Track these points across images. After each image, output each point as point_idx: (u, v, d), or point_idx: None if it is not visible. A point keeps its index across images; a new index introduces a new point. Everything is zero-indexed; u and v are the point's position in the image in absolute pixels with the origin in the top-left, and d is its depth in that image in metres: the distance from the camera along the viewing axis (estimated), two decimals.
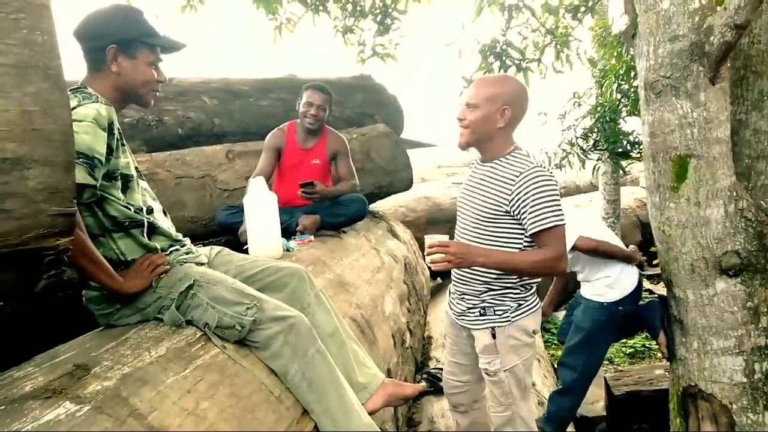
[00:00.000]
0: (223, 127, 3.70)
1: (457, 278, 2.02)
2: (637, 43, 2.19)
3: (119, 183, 1.52)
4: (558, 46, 4.50)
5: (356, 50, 4.86)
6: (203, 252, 1.82)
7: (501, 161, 1.88)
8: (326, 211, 3.10)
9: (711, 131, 2.00)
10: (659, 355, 4.57)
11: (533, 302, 1.95)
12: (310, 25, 4.56)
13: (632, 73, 4.31)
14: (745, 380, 2.04)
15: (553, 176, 1.83)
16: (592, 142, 5.15)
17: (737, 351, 2.05)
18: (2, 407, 1.08)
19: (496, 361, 1.90)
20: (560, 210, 1.79)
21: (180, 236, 1.75)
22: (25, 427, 1.02)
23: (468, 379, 2.10)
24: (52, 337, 1.50)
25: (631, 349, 4.79)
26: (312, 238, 2.92)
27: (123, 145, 1.56)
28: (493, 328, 1.90)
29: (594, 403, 3.66)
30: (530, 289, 1.95)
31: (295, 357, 1.55)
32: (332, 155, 3.30)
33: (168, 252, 1.64)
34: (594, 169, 6.28)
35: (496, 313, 1.90)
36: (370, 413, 1.70)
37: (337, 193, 3.15)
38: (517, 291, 1.91)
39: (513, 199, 1.80)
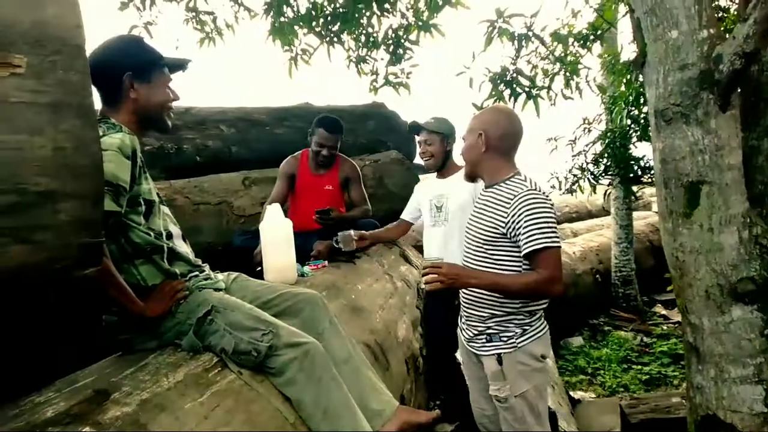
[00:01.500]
0: (240, 154, 3.78)
1: (465, 302, 2.04)
2: (646, 71, 2.22)
3: (142, 209, 1.56)
4: (567, 74, 4.55)
5: (369, 79, 4.95)
6: (221, 277, 1.85)
7: (500, 186, 1.95)
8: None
9: (722, 158, 2.01)
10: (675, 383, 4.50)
11: (539, 327, 1.95)
12: (324, 56, 4.66)
13: (642, 99, 4.35)
14: (766, 410, 2.01)
15: (548, 200, 1.87)
16: (602, 167, 5.17)
17: (756, 379, 2.02)
18: None
19: (505, 388, 1.90)
20: (553, 232, 1.82)
21: (199, 261, 1.78)
22: None
23: (490, 405, 2.07)
24: (73, 361, 1.53)
25: (647, 376, 4.71)
26: (326, 263, 2.94)
27: (145, 172, 1.61)
28: (499, 355, 1.91)
29: (609, 431, 3.59)
30: (535, 315, 1.95)
31: (310, 384, 1.56)
32: (344, 181, 3.35)
33: (187, 278, 1.68)
34: (605, 194, 6.28)
35: (502, 339, 1.91)
36: None
37: (350, 219, 3.19)
38: (521, 317, 1.92)
39: (509, 221, 1.85)
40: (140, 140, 1.62)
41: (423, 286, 1.94)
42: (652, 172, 4.55)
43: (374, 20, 4.69)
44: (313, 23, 4.51)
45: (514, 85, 4.23)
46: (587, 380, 4.80)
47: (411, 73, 4.91)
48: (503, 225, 1.87)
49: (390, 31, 4.74)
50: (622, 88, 4.66)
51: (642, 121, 4.44)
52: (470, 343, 2.02)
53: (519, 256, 1.87)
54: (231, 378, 1.51)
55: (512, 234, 1.85)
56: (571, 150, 5.50)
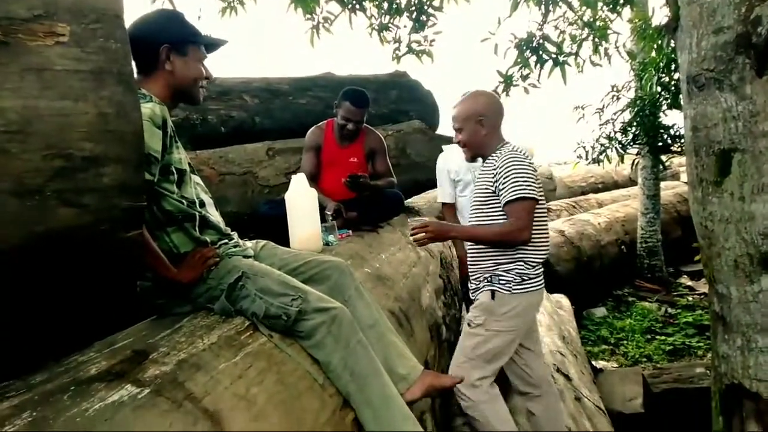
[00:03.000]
0: (264, 125, 3.79)
1: (470, 258, 2.28)
2: (679, 36, 2.16)
3: (174, 177, 1.60)
4: (596, 39, 4.44)
5: (392, 47, 4.89)
6: (249, 245, 1.89)
7: (493, 156, 2.21)
8: (364, 207, 3.15)
9: (757, 125, 1.96)
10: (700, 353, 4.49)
11: (537, 281, 2.16)
12: (346, 24, 4.62)
13: (673, 66, 4.23)
14: None
15: (527, 158, 2.10)
16: (631, 136, 5.08)
17: None
18: (72, 388, 1.16)
19: (481, 318, 2.13)
20: (528, 186, 2.03)
21: (228, 230, 1.83)
22: (93, 406, 1.10)
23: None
24: (109, 324, 1.60)
25: (671, 347, 4.70)
26: (350, 232, 2.98)
27: (176, 141, 1.64)
28: (494, 293, 2.14)
29: (632, 400, 3.62)
30: (534, 267, 2.15)
31: (338, 347, 1.60)
32: (369, 153, 3.35)
33: (217, 245, 1.72)
34: (633, 163, 6.17)
35: (501, 282, 2.13)
36: (409, 403, 1.74)
37: (376, 188, 3.21)
38: (521, 266, 2.12)
39: (495, 180, 2.11)
40: (170, 111, 1.65)
41: (412, 242, 2.18)
42: (682, 140, 4.45)
43: None
44: None
45: (541, 52, 4.15)
46: (610, 350, 4.82)
47: (434, 41, 4.84)
48: (492, 184, 2.13)
49: None
50: (653, 53, 4.53)
51: (673, 88, 4.32)
52: (474, 294, 2.25)
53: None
54: (262, 340, 1.55)
55: (498, 191, 2.10)
56: (599, 118, 5.40)
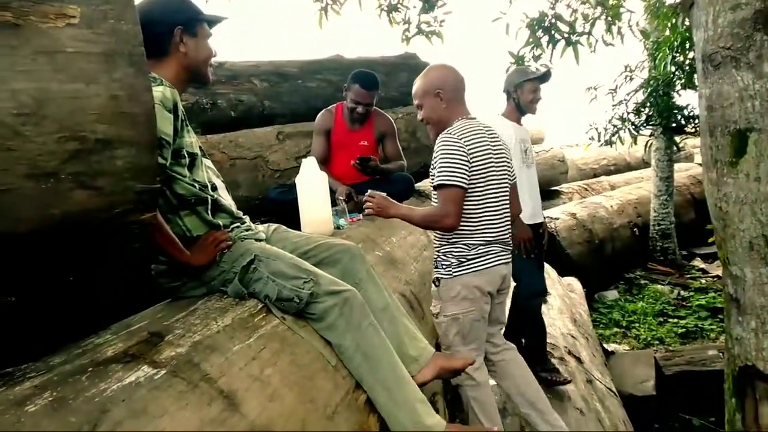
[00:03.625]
0: (273, 108, 3.79)
1: (433, 236, 2.32)
2: (694, 13, 2.11)
3: (186, 161, 1.60)
4: (609, 18, 4.36)
5: (401, 29, 4.84)
6: (261, 229, 1.90)
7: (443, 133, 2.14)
8: (374, 190, 3.15)
9: None
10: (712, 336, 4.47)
11: (478, 262, 2.11)
12: (355, 5, 4.57)
13: (687, 45, 4.15)
14: None
15: (458, 141, 2.03)
16: (644, 117, 5.01)
17: None
18: (90, 369, 1.18)
19: (438, 306, 2.16)
20: (450, 172, 2.00)
21: (240, 213, 1.83)
22: (111, 386, 1.12)
23: None
24: (123, 307, 1.62)
25: (683, 330, 4.68)
26: (361, 216, 2.98)
27: (187, 125, 1.64)
28: (437, 279, 2.17)
29: (643, 382, 3.62)
30: (476, 247, 2.11)
31: (349, 329, 1.61)
32: (379, 136, 3.34)
33: (230, 229, 1.73)
34: (646, 145, 6.09)
35: (443, 266, 2.15)
36: (421, 385, 1.75)
37: (386, 171, 3.20)
38: (460, 249, 2.11)
39: (433, 164, 2.10)
40: (181, 94, 1.65)
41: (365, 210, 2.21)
42: (697, 121, 4.39)
43: None
44: None
45: (553, 31, 4.10)
46: (621, 333, 4.81)
47: (444, 21, 4.79)
48: (432, 168, 2.12)
49: None
50: (667, 32, 4.45)
51: (687, 67, 4.25)
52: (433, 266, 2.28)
53: None
54: (275, 323, 1.57)
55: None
56: (612, 99, 5.32)
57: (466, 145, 2.03)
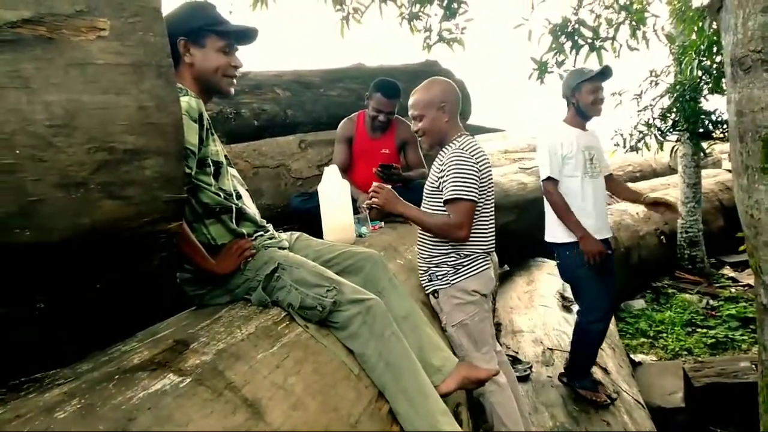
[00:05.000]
0: (296, 117, 3.82)
1: (416, 247, 2.35)
2: (723, 16, 2.07)
3: (211, 170, 1.62)
4: (633, 23, 4.30)
5: (422, 36, 4.85)
6: (284, 237, 1.91)
7: (446, 147, 2.19)
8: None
9: None
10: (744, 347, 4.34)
11: (473, 267, 2.18)
12: (376, 15, 4.59)
13: (714, 48, 4.06)
14: None
15: (471, 158, 2.10)
16: (670, 122, 4.91)
17: None
18: (117, 377, 1.19)
19: (443, 318, 2.21)
20: (467, 186, 2.06)
21: (264, 222, 1.84)
22: (137, 394, 1.13)
23: None
24: (149, 314, 1.64)
25: (713, 340, 4.55)
26: (383, 224, 2.97)
27: (212, 134, 1.66)
28: (435, 291, 2.23)
29: (672, 394, 3.53)
30: (469, 257, 2.18)
31: (372, 337, 1.60)
32: (401, 144, 3.34)
33: (254, 237, 1.74)
34: (672, 150, 5.98)
35: (437, 277, 2.21)
36: (444, 395, 1.73)
37: (408, 179, 3.20)
38: (453, 257, 2.19)
39: (441, 176, 2.13)
40: (205, 104, 1.66)
41: (368, 203, 2.26)
42: (725, 126, 4.29)
43: None
44: None
45: (576, 37, 4.06)
46: (649, 343, 4.70)
47: (465, 29, 4.78)
48: (437, 179, 2.16)
49: None
50: (693, 36, 4.36)
51: (714, 71, 4.15)
52: (421, 280, 2.32)
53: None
54: (298, 331, 1.57)
55: (441, 187, 2.13)
56: (637, 105, 5.22)
57: (477, 162, 2.12)
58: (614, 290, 3.01)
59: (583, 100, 2.85)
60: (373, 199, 2.21)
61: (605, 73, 2.86)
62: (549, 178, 2.88)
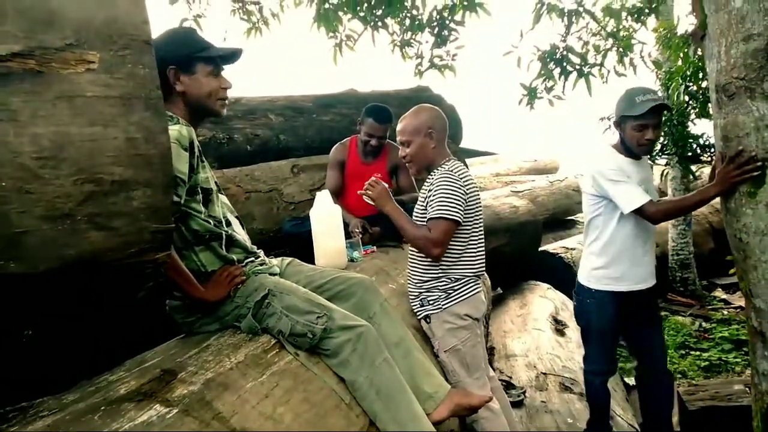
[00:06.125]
0: (288, 142, 3.84)
1: (407, 268, 2.36)
2: (706, 44, 2.12)
3: (200, 197, 1.62)
4: (620, 50, 4.39)
5: (414, 63, 4.92)
6: (275, 263, 1.90)
7: (435, 171, 2.22)
8: (388, 222, 3.15)
9: None
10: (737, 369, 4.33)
11: (464, 291, 2.19)
12: (368, 41, 4.66)
13: (700, 74, 4.14)
14: None
15: (458, 180, 2.13)
16: (659, 146, 4.97)
17: None
18: (103, 408, 1.17)
19: (436, 344, 2.19)
20: (451, 207, 2.08)
21: (254, 248, 1.84)
22: (123, 426, 1.11)
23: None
24: (138, 342, 1.62)
25: (706, 363, 4.54)
26: (375, 248, 2.97)
27: (203, 161, 1.66)
28: (427, 316, 2.22)
29: None
30: (460, 281, 2.19)
31: (363, 365, 1.59)
32: (393, 168, 3.36)
33: (244, 263, 1.73)
34: (662, 174, 6.04)
35: (429, 302, 2.21)
36: (437, 423, 1.72)
37: (400, 204, 3.20)
38: (445, 282, 2.19)
39: (428, 196, 2.16)
40: (195, 130, 1.67)
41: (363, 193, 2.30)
42: (712, 150, 4.35)
43: (419, 2, 4.65)
44: (358, 8, 4.51)
45: (565, 63, 4.12)
46: None
47: (456, 55, 4.85)
48: (424, 200, 2.19)
49: (435, 13, 4.69)
50: (679, 62, 4.45)
51: (701, 97, 4.22)
52: (412, 305, 2.31)
53: None
54: (288, 359, 1.56)
55: (427, 207, 2.15)
56: None
57: (464, 185, 2.14)
58: (655, 351, 2.69)
59: (628, 137, 2.45)
60: (367, 191, 2.26)
61: (658, 111, 2.41)
62: (642, 206, 2.35)
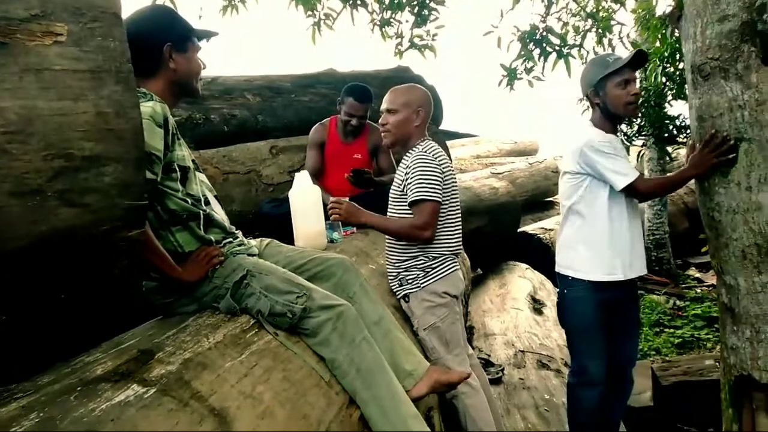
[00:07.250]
0: (267, 123, 3.80)
1: (385, 254, 2.37)
2: (683, 25, 2.14)
3: (178, 175, 1.59)
4: (600, 30, 4.41)
5: (394, 43, 4.88)
6: (254, 243, 1.89)
7: (410, 151, 2.23)
8: (368, 203, 3.15)
9: (763, 113, 1.94)
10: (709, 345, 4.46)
11: (442, 269, 2.21)
12: (347, 20, 4.61)
13: (677, 56, 4.18)
14: None
15: (434, 161, 2.13)
16: (636, 127, 5.03)
17: None
18: (79, 388, 1.16)
19: (415, 322, 2.22)
20: (432, 188, 2.09)
21: (233, 228, 1.82)
22: (99, 406, 1.11)
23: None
24: (114, 324, 1.60)
25: (679, 340, 4.67)
26: (355, 229, 2.97)
27: (178, 139, 1.64)
28: (406, 295, 2.24)
29: (641, 393, 3.60)
30: (437, 259, 2.21)
31: (343, 344, 1.59)
32: (373, 149, 3.35)
33: (222, 244, 1.72)
34: (639, 155, 6.13)
35: (408, 281, 2.23)
36: (416, 399, 1.74)
37: (380, 184, 3.21)
38: (422, 261, 2.21)
39: (405, 178, 2.16)
40: (172, 108, 1.65)
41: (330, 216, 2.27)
42: (689, 131, 4.41)
43: None
44: None
45: (544, 44, 4.13)
46: None
47: (437, 35, 4.83)
48: (401, 183, 2.19)
49: None
50: (657, 44, 4.49)
51: (678, 78, 4.27)
52: (391, 285, 2.33)
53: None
54: (267, 339, 1.55)
55: (405, 189, 2.16)
56: None
57: (440, 165, 2.16)
58: (629, 351, 2.49)
59: (612, 99, 2.25)
60: (334, 216, 2.24)
61: (639, 58, 2.27)
62: (633, 181, 2.19)
